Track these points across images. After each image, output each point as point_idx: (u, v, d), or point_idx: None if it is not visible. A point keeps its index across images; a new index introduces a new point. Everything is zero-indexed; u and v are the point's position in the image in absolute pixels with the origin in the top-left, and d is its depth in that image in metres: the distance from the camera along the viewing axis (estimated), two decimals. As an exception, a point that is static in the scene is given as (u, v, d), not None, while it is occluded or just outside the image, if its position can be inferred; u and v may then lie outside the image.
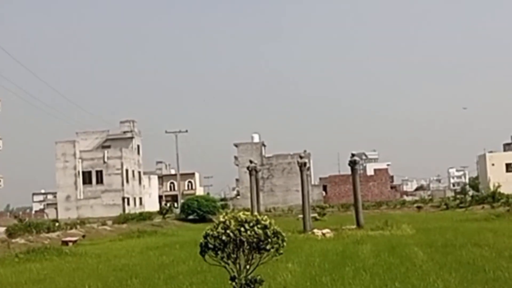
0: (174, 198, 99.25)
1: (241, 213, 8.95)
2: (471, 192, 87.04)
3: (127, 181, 79.91)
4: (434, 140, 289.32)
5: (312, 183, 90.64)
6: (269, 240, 8.64)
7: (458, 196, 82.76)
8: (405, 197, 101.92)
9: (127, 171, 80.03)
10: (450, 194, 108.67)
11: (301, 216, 35.91)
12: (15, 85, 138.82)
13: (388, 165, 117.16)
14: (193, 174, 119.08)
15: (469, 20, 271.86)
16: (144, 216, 52.74)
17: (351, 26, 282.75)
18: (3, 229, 35.11)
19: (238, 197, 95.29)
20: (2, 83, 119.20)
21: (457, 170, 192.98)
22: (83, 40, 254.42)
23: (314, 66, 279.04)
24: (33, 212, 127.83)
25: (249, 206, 39.85)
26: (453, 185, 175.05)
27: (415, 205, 68.41)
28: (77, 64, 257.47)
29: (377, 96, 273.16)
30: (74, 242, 30.97)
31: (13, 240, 28.84)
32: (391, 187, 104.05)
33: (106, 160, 78.44)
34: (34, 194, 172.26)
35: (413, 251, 18.44)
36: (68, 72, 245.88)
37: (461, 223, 33.69)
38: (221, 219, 8.85)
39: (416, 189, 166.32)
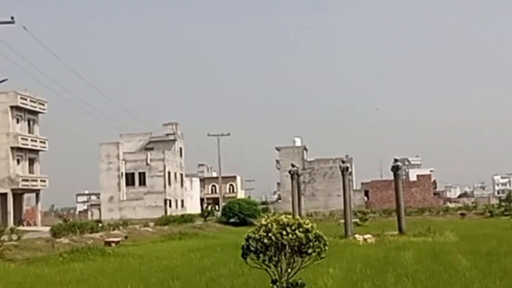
0: (216, 201, 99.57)
1: (283, 217, 8.96)
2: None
3: (169, 183, 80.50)
4: (478, 147, 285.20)
5: (354, 188, 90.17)
6: (311, 244, 8.63)
7: (502, 203, 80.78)
8: (448, 204, 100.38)
9: (169, 173, 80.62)
10: (494, 201, 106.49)
11: (342, 221, 35.73)
12: (61, 87, 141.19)
13: (431, 171, 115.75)
14: (234, 177, 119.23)
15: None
16: (186, 219, 53.02)
17: (390, 33, 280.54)
18: (47, 228, 35.72)
19: (279, 201, 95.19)
20: (49, 85, 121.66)
21: (502, 177, 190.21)
22: (129, 44, 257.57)
23: (356, 73, 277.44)
24: (77, 212, 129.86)
25: (290, 210, 39.81)
26: (498, 193, 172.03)
27: (459, 212, 67.30)
28: (122, 67, 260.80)
29: (421, 102, 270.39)
30: (117, 242, 31.33)
31: (58, 240, 29.33)
32: (434, 194, 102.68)
33: (149, 162, 79.18)
34: (78, 194, 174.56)
35: (457, 258, 18.19)
36: (114, 75, 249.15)
37: (505, 231, 33.07)
38: (263, 222, 8.86)
39: (460, 196, 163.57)
